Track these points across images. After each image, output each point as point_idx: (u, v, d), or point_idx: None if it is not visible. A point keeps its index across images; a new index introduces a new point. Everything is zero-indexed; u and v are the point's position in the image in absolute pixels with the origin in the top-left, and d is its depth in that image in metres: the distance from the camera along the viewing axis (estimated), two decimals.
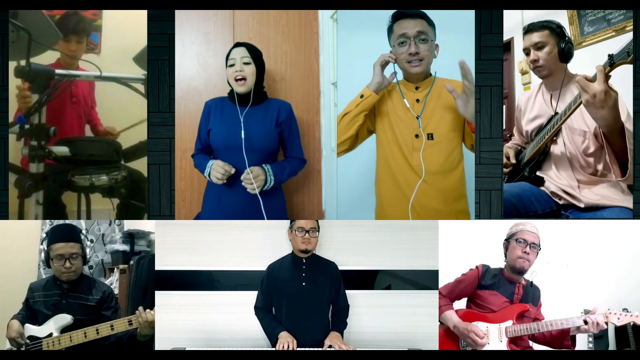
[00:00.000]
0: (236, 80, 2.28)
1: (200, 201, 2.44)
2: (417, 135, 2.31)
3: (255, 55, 2.31)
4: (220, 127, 2.31)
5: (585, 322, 2.07)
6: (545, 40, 2.34)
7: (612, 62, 2.03)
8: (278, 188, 2.36)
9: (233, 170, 2.25)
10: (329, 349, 2.09)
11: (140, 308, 2.16)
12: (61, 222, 2.49)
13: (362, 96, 2.30)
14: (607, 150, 2.19)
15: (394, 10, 2.33)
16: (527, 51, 2.39)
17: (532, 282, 2.24)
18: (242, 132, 2.28)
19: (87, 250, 2.76)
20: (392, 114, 2.36)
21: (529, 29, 2.38)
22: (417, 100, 2.34)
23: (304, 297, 2.16)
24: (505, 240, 2.25)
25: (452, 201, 2.33)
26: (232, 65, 2.29)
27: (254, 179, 2.23)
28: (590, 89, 2.05)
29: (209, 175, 2.27)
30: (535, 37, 2.35)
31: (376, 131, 2.41)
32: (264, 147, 2.31)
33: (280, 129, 2.36)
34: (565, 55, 2.31)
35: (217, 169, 2.24)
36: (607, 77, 2.05)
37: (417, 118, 2.32)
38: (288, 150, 2.41)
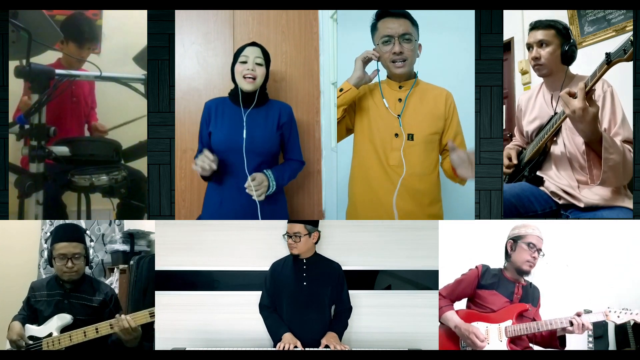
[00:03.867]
0: (245, 77, 2.27)
1: (200, 201, 2.44)
2: (396, 135, 2.31)
3: (267, 58, 2.32)
4: (222, 129, 2.30)
5: (571, 324, 2.07)
6: (549, 40, 2.33)
7: (609, 60, 2.04)
8: (279, 190, 2.36)
9: (214, 166, 2.17)
10: (325, 349, 2.08)
11: (120, 316, 2.15)
12: (66, 221, 2.49)
13: (341, 90, 2.29)
14: (587, 157, 2.23)
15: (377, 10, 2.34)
16: (529, 46, 2.38)
17: (531, 282, 2.24)
18: (244, 132, 2.27)
19: (90, 251, 2.75)
20: (372, 111, 2.35)
21: (535, 26, 2.37)
22: (400, 100, 2.34)
23: (304, 297, 2.16)
24: (511, 240, 2.24)
25: (426, 205, 2.33)
26: (243, 62, 2.27)
27: (257, 185, 2.21)
28: (570, 105, 2.10)
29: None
30: (540, 34, 2.34)
31: (354, 129, 2.39)
32: (265, 149, 2.30)
33: (282, 131, 2.36)
34: (568, 57, 2.31)
35: (203, 159, 2.15)
36: (590, 92, 2.09)
37: (399, 117, 2.31)
38: (288, 152, 2.41)
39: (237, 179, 2.26)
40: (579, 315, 2.09)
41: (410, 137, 2.30)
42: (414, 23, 2.31)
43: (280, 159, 2.44)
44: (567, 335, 2.15)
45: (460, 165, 2.23)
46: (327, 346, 2.09)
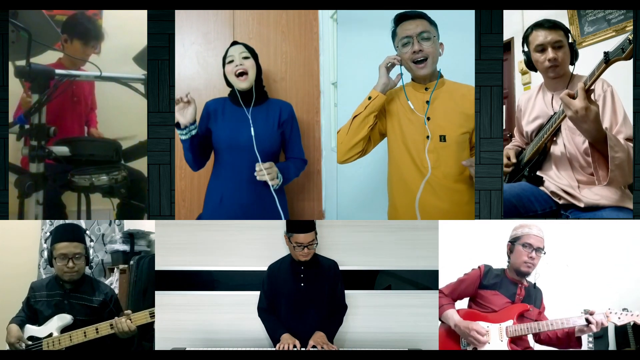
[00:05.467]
0: (237, 75, 2.28)
1: (201, 201, 2.44)
2: (428, 137, 2.31)
3: (253, 52, 2.33)
4: (223, 127, 2.31)
5: (588, 322, 2.06)
6: (562, 40, 2.31)
7: (608, 59, 2.04)
8: (280, 189, 2.34)
9: (186, 99, 2.16)
10: (313, 349, 2.07)
11: (117, 318, 2.15)
12: (66, 221, 2.48)
13: (369, 98, 2.31)
14: (592, 158, 2.22)
15: (396, 13, 2.33)
16: (541, 47, 2.34)
17: (535, 283, 2.24)
18: (252, 129, 2.27)
19: (90, 251, 2.75)
20: (401, 115, 2.36)
21: (540, 25, 2.34)
22: (427, 102, 2.34)
23: (302, 298, 2.16)
24: (510, 242, 2.24)
25: (464, 203, 2.35)
26: (231, 62, 2.29)
27: (268, 169, 2.20)
28: (572, 106, 2.10)
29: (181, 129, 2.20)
30: (553, 35, 2.32)
31: (387, 133, 2.41)
32: (266, 147, 2.29)
33: (282, 130, 2.35)
34: (576, 56, 2.31)
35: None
36: (589, 91, 2.09)
37: (425, 118, 2.31)
38: (289, 150, 2.40)
39: (238, 176, 2.26)
40: (591, 314, 2.07)
41: (443, 138, 2.30)
42: (432, 23, 2.31)
43: (281, 158, 2.43)
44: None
45: (475, 177, 2.32)
46: (314, 346, 2.07)
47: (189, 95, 2.18)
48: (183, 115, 2.18)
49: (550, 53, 2.32)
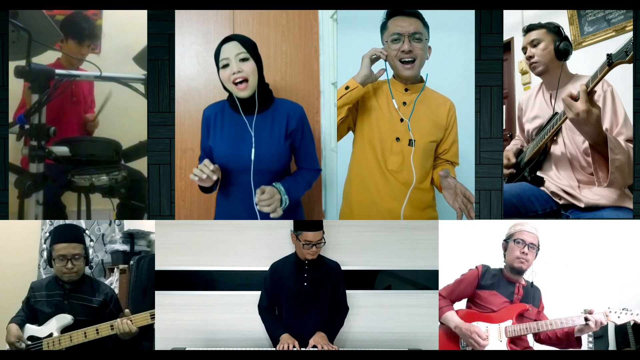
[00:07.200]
0: (236, 83, 2.02)
1: (200, 202, 2.44)
2: (397, 139, 2.26)
3: (252, 48, 2.04)
4: (222, 144, 2.11)
5: (586, 320, 2.06)
6: (541, 38, 2.37)
7: (611, 61, 2.04)
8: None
9: (214, 177, 1.97)
10: (313, 349, 2.07)
11: (119, 320, 2.15)
12: (65, 222, 2.48)
13: (347, 87, 2.17)
14: (592, 159, 2.23)
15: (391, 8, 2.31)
16: (524, 49, 2.42)
17: (532, 282, 2.24)
18: (253, 151, 2.04)
19: (90, 251, 2.75)
20: (375, 112, 2.28)
21: (528, 29, 2.41)
22: (404, 103, 2.29)
23: (305, 298, 2.15)
24: (504, 240, 2.26)
25: (421, 209, 2.30)
26: (226, 66, 2.01)
27: (269, 199, 1.98)
28: (574, 108, 2.11)
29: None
30: (533, 35, 2.39)
31: (355, 129, 2.33)
32: (272, 166, 2.09)
33: (292, 140, 2.13)
34: (562, 52, 2.33)
35: (202, 168, 1.95)
36: (592, 93, 2.10)
37: (408, 121, 2.26)
38: (301, 160, 2.20)
39: (246, 198, 2.10)
40: (590, 313, 2.08)
41: (411, 142, 2.26)
42: (425, 24, 2.26)
43: (292, 166, 2.29)
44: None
45: (447, 189, 2.19)
46: (314, 346, 2.07)
47: (212, 166, 1.95)
48: (208, 183, 1.99)
49: (528, 52, 2.40)
